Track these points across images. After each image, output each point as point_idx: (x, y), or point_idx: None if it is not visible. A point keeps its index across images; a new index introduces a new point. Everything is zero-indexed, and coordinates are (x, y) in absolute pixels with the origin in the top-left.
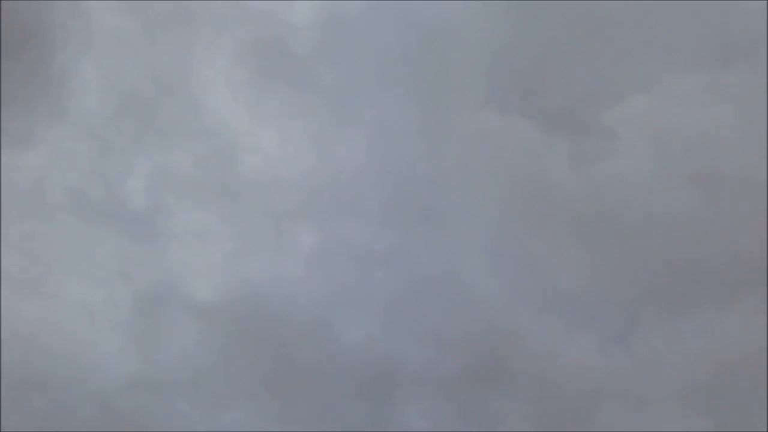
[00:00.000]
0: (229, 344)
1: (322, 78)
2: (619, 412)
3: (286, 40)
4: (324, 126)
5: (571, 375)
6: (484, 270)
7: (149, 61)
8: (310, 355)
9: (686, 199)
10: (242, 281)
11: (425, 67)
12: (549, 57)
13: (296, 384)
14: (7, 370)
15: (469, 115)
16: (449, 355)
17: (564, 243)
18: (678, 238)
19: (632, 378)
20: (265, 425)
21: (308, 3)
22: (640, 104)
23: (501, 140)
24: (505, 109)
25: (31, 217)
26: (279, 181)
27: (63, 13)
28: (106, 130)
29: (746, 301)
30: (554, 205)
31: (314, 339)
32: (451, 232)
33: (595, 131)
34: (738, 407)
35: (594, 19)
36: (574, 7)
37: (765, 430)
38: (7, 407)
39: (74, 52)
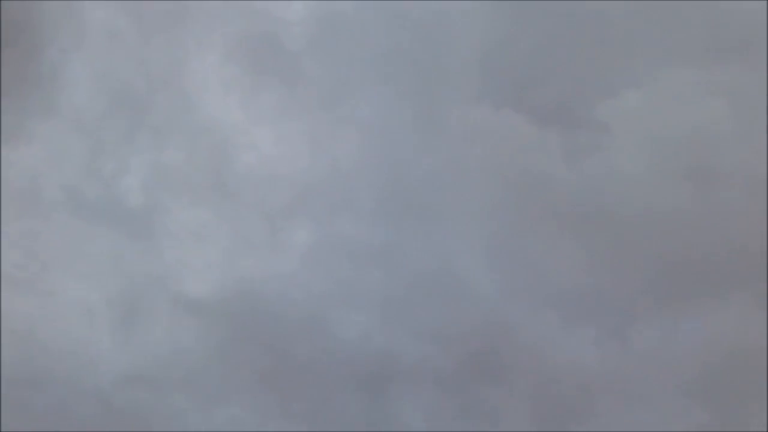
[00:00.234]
0: (226, 340)
1: (314, 74)
2: (616, 407)
3: (279, 37)
4: (317, 122)
5: (567, 369)
6: (480, 265)
7: (141, 57)
8: (306, 351)
9: (681, 193)
10: (238, 278)
11: (418, 63)
12: (542, 52)
13: (293, 380)
14: (4, 367)
15: (462, 111)
16: (446, 351)
17: (559, 238)
18: (673, 232)
19: (629, 372)
20: (262, 421)
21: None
22: (633, 99)
23: (495, 135)
24: (499, 104)
25: (27, 214)
26: (273, 178)
27: (54, 9)
28: (100, 126)
29: (742, 296)
30: (549, 199)
31: (310, 335)
32: (446, 227)
33: (589, 126)
34: (735, 401)
35: (587, 13)
36: (567, 2)
37: (763, 423)
38: (5, 405)
39: (65, 48)
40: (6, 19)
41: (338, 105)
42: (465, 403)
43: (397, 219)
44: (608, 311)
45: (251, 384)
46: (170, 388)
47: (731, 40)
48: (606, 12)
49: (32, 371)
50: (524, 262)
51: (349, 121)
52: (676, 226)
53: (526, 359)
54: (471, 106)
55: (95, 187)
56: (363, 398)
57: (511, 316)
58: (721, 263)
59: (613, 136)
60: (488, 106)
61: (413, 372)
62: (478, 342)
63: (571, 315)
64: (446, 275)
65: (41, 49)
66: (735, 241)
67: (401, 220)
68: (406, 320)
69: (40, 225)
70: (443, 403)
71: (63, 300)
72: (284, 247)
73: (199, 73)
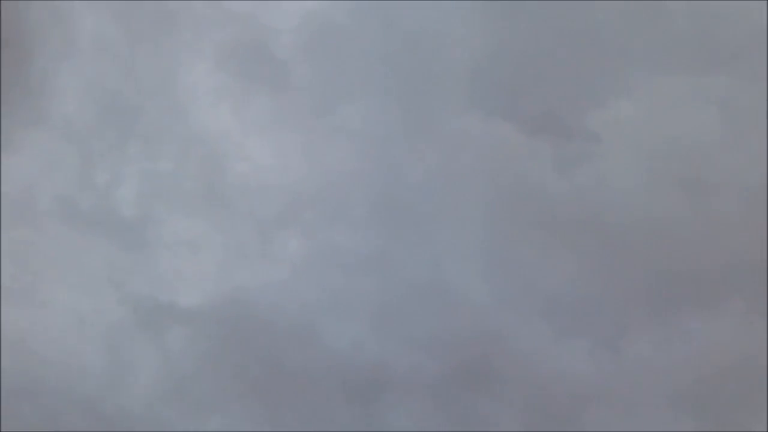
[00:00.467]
0: (216, 349)
1: (305, 83)
2: (609, 417)
3: (269, 44)
4: (308, 131)
5: (560, 379)
6: (471, 274)
7: (132, 66)
8: (297, 360)
9: (673, 203)
10: (229, 287)
11: (408, 71)
12: (533, 61)
13: (284, 389)
14: None
15: (452, 119)
16: (437, 359)
17: (551, 247)
18: (666, 242)
19: (622, 382)
20: (251, 429)
21: (291, 5)
22: (624, 108)
23: (485, 144)
24: (489, 112)
25: (21, 224)
26: (264, 187)
27: (43, 17)
28: (91, 136)
29: (737, 306)
30: (540, 209)
31: (302, 344)
32: (438, 236)
33: (580, 135)
34: (730, 412)
35: (578, 22)
36: (557, 11)
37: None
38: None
39: (55, 57)
40: None
41: (329, 114)
42: (457, 412)
43: (388, 228)
44: (601, 321)
45: (242, 393)
46: (160, 398)
47: (724, 48)
48: (597, 21)
49: (25, 381)
50: (516, 272)
51: (340, 130)
52: (669, 235)
53: (519, 368)
54: (461, 115)
55: (88, 197)
56: (355, 407)
57: (503, 326)
58: (715, 273)
59: (605, 146)
60: (478, 115)
61: (405, 381)
62: (471, 351)
63: (563, 324)
64: (438, 284)
65: (30, 57)
66: (729, 251)
67: (393, 229)
68: (398, 329)
69: (34, 235)
70: (435, 413)
71: (56, 310)
72: (275, 256)
73: (191, 82)
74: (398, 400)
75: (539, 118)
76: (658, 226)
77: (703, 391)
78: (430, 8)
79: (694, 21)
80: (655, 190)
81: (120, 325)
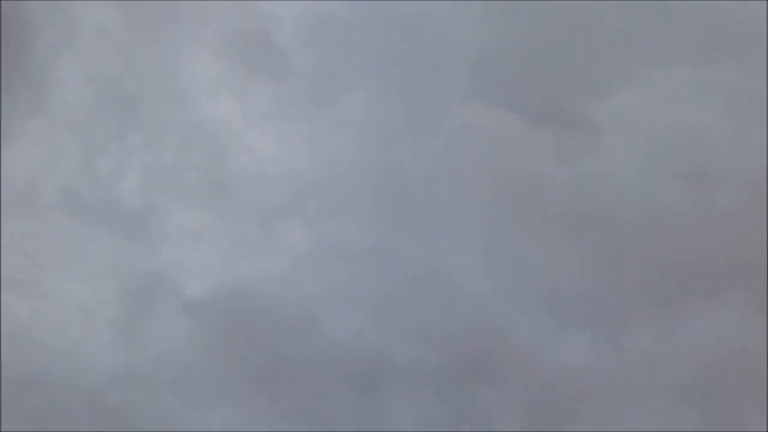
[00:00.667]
0: (218, 340)
1: (306, 73)
2: (610, 409)
3: (270, 33)
4: (309, 122)
5: (561, 371)
6: (473, 266)
7: (133, 55)
8: (299, 351)
9: (676, 194)
10: (231, 278)
11: (409, 61)
12: (535, 51)
13: (285, 380)
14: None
15: (454, 110)
16: (438, 351)
17: (553, 239)
18: (668, 234)
19: (623, 375)
20: (254, 420)
21: None
22: (627, 99)
23: (487, 135)
24: (491, 103)
25: (23, 216)
26: (265, 178)
27: (43, 6)
28: (93, 126)
29: (738, 298)
30: (542, 200)
31: (303, 335)
32: (439, 228)
33: (582, 126)
34: (731, 405)
35: (580, 13)
36: (560, 2)
37: (759, 426)
38: (2, 406)
39: (55, 46)
40: None
41: (330, 104)
42: (458, 404)
43: (390, 219)
44: (602, 313)
45: (243, 384)
46: (162, 388)
47: (727, 39)
48: (599, 11)
49: (28, 372)
50: (517, 264)
51: (342, 121)
52: (671, 227)
53: (520, 360)
54: (463, 105)
55: (91, 188)
56: (355, 398)
57: (504, 318)
58: (716, 265)
59: (607, 137)
60: (480, 105)
61: (406, 373)
62: (471, 343)
63: (565, 316)
64: (439, 276)
65: (30, 46)
66: (730, 243)
67: (394, 221)
68: (399, 321)
69: (37, 226)
70: (436, 404)
71: (59, 301)
72: (277, 247)
73: (192, 72)
74: (399, 391)
75: (542, 108)
76: (660, 218)
77: (704, 384)
78: (432, 0)
79: (697, 13)
80: (657, 181)
81: (123, 316)
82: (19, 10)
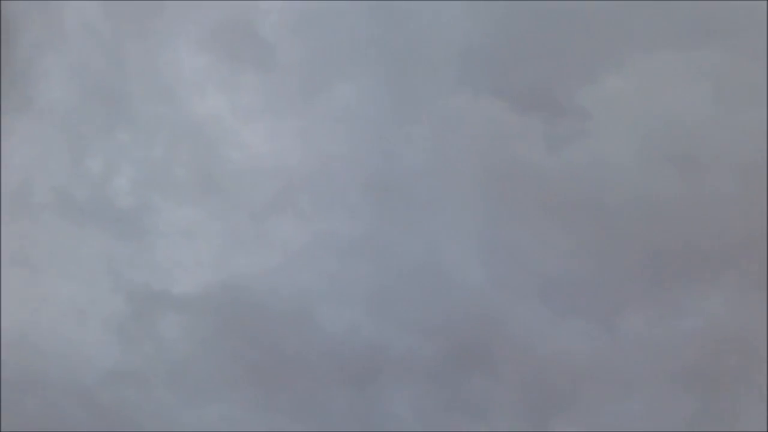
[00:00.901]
0: (212, 336)
1: (291, 63)
2: (606, 397)
3: (255, 24)
4: (296, 114)
5: (556, 359)
6: (466, 255)
7: (118, 50)
8: (293, 345)
9: (666, 179)
10: (224, 273)
11: (397, 50)
12: (522, 37)
13: (280, 374)
14: None
15: (441, 98)
16: (433, 342)
17: (545, 226)
18: (660, 219)
19: (618, 362)
20: (249, 415)
21: None
22: (615, 84)
23: (475, 122)
24: (478, 90)
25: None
26: (256, 172)
27: (26, 2)
28: (79, 122)
29: (731, 282)
30: (532, 188)
31: (298, 328)
32: (431, 218)
33: (570, 112)
34: (724, 387)
35: None
36: None
37: (754, 412)
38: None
39: (39, 43)
40: None
41: (318, 96)
42: (453, 394)
43: (382, 211)
44: (596, 300)
45: (239, 379)
46: (158, 385)
47: (715, 22)
48: None
49: (25, 372)
50: (510, 252)
51: (330, 113)
52: (663, 212)
53: (515, 350)
54: (451, 94)
55: (83, 187)
56: (351, 391)
57: (498, 307)
58: (710, 250)
59: (596, 123)
60: (468, 93)
61: (401, 364)
62: (466, 333)
63: (559, 304)
64: (433, 267)
65: (15, 45)
66: (724, 227)
67: (386, 212)
68: (393, 313)
69: (30, 227)
70: (431, 395)
71: (54, 302)
72: (269, 241)
73: (179, 66)
74: (395, 383)
75: (530, 95)
76: (651, 203)
77: (700, 369)
78: None
79: None
80: (648, 167)
81: (118, 315)
82: (3, 8)
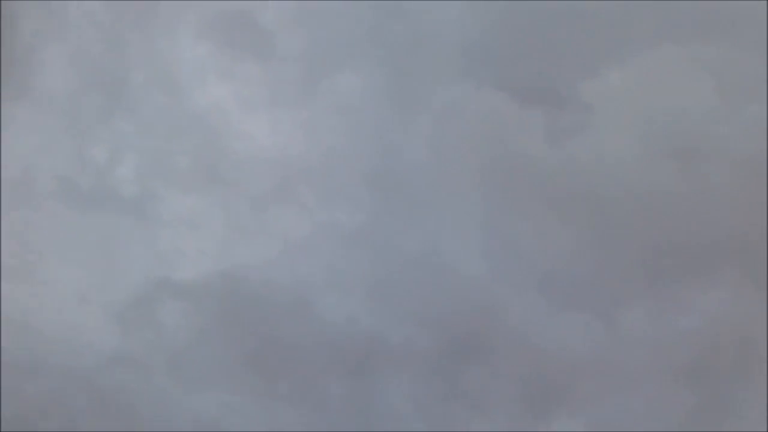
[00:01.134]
0: (212, 324)
1: (291, 54)
2: (604, 390)
3: (255, 14)
4: (296, 105)
5: (555, 352)
6: (466, 247)
7: (120, 39)
8: (292, 334)
9: (668, 173)
10: (225, 262)
11: (397, 41)
12: (524, 30)
13: (279, 363)
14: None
15: (443, 89)
16: (432, 333)
17: (544, 219)
18: (661, 213)
19: (617, 355)
20: (249, 403)
21: None
22: (617, 77)
23: (477, 115)
24: (481, 82)
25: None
26: (257, 162)
27: None
28: (82, 111)
29: (733, 278)
30: (533, 180)
31: (297, 318)
32: (431, 209)
33: (572, 105)
34: (723, 383)
35: None
36: None
37: (754, 407)
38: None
39: (40, 30)
40: None
41: (319, 87)
42: (451, 385)
43: (381, 202)
44: (596, 293)
45: (238, 367)
46: (157, 372)
47: (717, 16)
48: None
49: (26, 358)
50: (510, 244)
51: (331, 103)
52: (663, 206)
53: (513, 342)
54: (452, 85)
55: (87, 176)
56: (349, 380)
57: (497, 298)
58: (711, 244)
59: (598, 116)
60: (470, 84)
61: (400, 354)
62: (465, 324)
63: (558, 297)
64: (432, 257)
65: (15, 33)
66: (725, 222)
67: (386, 203)
68: (392, 303)
69: (34, 215)
70: (429, 386)
71: (56, 288)
72: (270, 231)
73: (181, 55)
74: (393, 373)
75: (532, 88)
76: (652, 197)
77: (699, 364)
78: None
79: None
80: (649, 161)
81: (119, 302)
82: None
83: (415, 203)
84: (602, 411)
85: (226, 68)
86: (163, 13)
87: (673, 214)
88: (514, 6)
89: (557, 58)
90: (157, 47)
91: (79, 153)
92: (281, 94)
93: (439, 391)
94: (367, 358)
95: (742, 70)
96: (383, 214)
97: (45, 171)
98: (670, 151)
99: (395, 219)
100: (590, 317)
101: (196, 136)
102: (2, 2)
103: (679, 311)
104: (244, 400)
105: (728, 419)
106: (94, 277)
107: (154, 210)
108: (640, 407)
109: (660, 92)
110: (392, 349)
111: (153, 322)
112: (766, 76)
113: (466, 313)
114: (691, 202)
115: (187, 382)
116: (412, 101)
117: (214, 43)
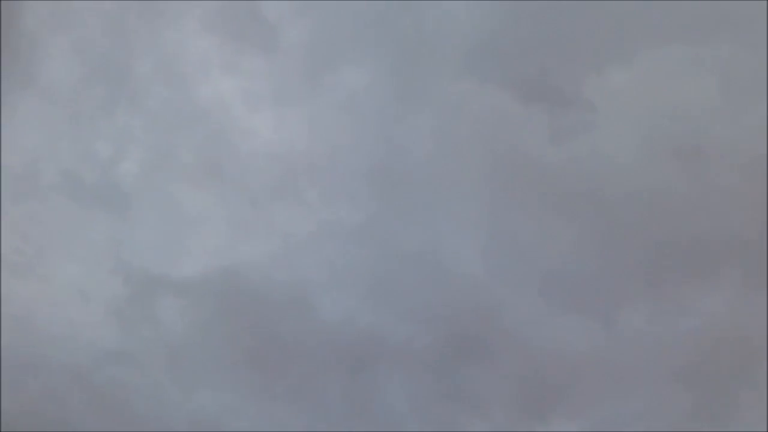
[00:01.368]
0: (211, 320)
1: (295, 47)
2: (603, 391)
3: (259, 7)
4: (299, 100)
5: (554, 352)
6: (466, 246)
7: (125, 31)
8: (291, 332)
9: (670, 173)
10: (225, 258)
11: (402, 37)
12: (528, 28)
13: (277, 360)
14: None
15: (447, 86)
16: (431, 331)
17: (546, 218)
18: (663, 213)
19: (616, 356)
20: (247, 399)
21: None
22: (620, 76)
23: (480, 112)
24: (484, 79)
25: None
26: (260, 158)
27: None
28: (86, 103)
29: (734, 279)
30: (535, 179)
31: (295, 315)
32: (432, 207)
33: (575, 104)
34: (723, 384)
35: None
36: None
37: (754, 409)
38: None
39: (44, 20)
40: None
41: (322, 82)
42: (450, 384)
43: (383, 199)
44: (596, 294)
45: (236, 364)
46: (156, 368)
47: (721, 16)
48: None
49: (26, 356)
50: (511, 244)
51: (334, 99)
52: (665, 206)
53: (512, 340)
54: (456, 82)
55: (92, 170)
56: (348, 379)
57: (497, 298)
58: (712, 244)
59: (601, 115)
60: (473, 82)
61: (398, 353)
62: (464, 323)
63: (558, 298)
64: (432, 256)
65: (20, 23)
66: (727, 222)
67: (387, 201)
68: (392, 301)
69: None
70: (428, 385)
71: (58, 284)
72: (271, 227)
73: (186, 49)
74: (391, 370)
75: (535, 86)
76: (654, 197)
77: (699, 365)
78: None
79: None
80: (651, 160)
81: (118, 297)
82: None
83: (417, 202)
84: (601, 411)
85: (231, 62)
86: (169, 6)
87: (675, 214)
88: (519, 5)
89: (561, 57)
90: (162, 40)
91: (83, 147)
92: (285, 89)
93: (437, 390)
94: (365, 356)
95: (745, 71)
96: (384, 212)
97: (49, 165)
98: (673, 151)
99: (396, 217)
100: (590, 318)
101: (200, 131)
102: None
103: (679, 312)
104: (243, 397)
105: (728, 419)
106: (93, 272)
107: (156, 206)
108: (639, 407)
109: (663, 92)
110: (391, 348)
111: (150, 318)
112: None
113: (465, 313)
114: (693, 203)
115: (186, 379)
116: (416, 98)
117: (219, 37)
